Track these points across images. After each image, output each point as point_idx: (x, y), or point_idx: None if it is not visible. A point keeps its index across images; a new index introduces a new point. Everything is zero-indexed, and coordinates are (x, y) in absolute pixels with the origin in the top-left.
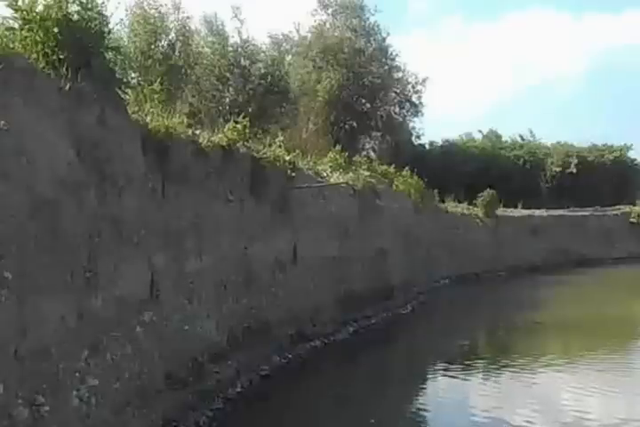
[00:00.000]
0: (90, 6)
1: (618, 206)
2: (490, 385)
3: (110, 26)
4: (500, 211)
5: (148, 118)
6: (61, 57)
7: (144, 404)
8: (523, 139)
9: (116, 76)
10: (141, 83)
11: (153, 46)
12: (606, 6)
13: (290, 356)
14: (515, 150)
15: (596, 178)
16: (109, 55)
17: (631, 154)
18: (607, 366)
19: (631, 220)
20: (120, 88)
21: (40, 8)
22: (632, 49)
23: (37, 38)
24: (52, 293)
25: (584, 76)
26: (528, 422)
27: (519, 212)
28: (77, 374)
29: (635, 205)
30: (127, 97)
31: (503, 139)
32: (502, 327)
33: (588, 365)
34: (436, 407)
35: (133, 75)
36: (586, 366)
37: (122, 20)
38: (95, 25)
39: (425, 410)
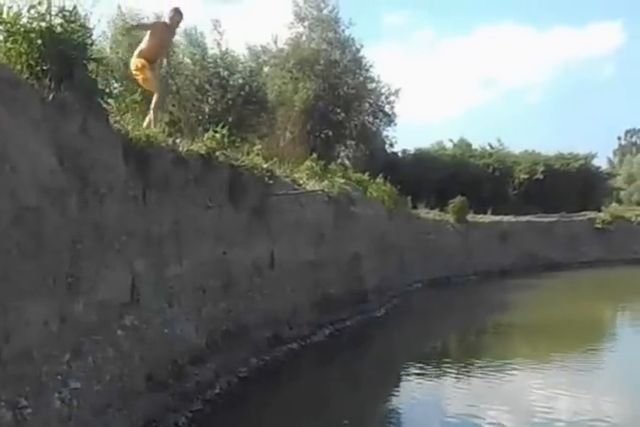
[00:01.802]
0: (73, 19)
1: (583, 212)
2: (462, 386)
3: (93, 37)
4: (471, 217)
5: (130, 127)
6: (45, 68)
7: (125, 405)
8: (492, 147)
9: (99, 86)
10: (124, 93)
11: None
12: (571, 20)
13: (267, 358)
14: (484, 158)
15: (562, 185)
16: (92, 66)
17: (595, 162)
18: (576, 368)
19: (596, 225)
20: (102, 98)
21: (24, 20)
22: (595, 60)
23: (21, 50)
24: (34, 298)
25: (549, 87)
26: (499, 421)
27: (489, 218)
28: (59, 377)
29: (600, 211)
30: (109, 107)
31: (473, 147)
32: (474, 330)
33: (557, 366)
34: (409, 408)
35: (116, 85)
36: (555, 368)
37: (104, 32)
38: (78, 37)
39: (399, 410)
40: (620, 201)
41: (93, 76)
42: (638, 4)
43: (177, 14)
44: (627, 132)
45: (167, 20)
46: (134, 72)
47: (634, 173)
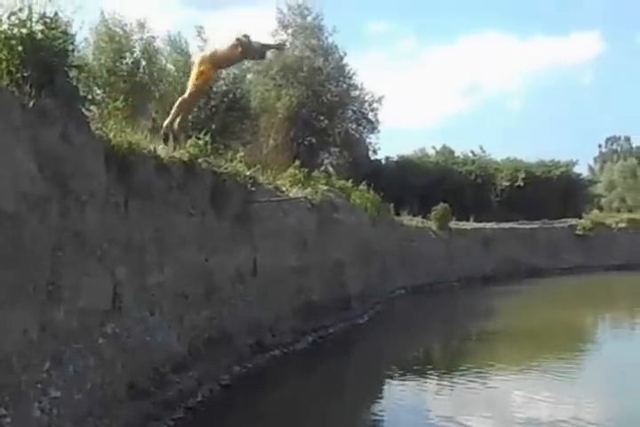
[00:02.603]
0: (54, 25)
1: (564, 219)
2: (445, 392)
3: (75, 44)
4: (453, 224)
5: (112, 134)
6: (25, 75)
7: (106, 414)
8: (474, 154)
9: (80, 93)
10: (106, 99)
11: (118, 64)
12: (552, 29)
13: (250, 366)
14: (467, 166)
15: (543, 192)
16: (73, 73)
17: (576, 169)
18: (557, 373)
19: (577, 232)
20: (83, 105)
21: (4, 27)
22: (575, 68)
23: (1, 56)
24: (14, 305)
25: (530, 94)
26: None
27: (471, 224)
28: (39, 386)
29: (580, 217)
30: (91, 113)
31: (455, 154)
32: (456, 336)
33: (539, 372)
34: (392, 414)
35: (98, 91)
36: (536, 373)
37: (86, 38)
38: (59, 43)
39: (382, 417)
40: (600, 208)
41: (75, 83)
42: (616, 13)
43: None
44: (607, 139)
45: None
46: (197, 63)
47: (614, 180)
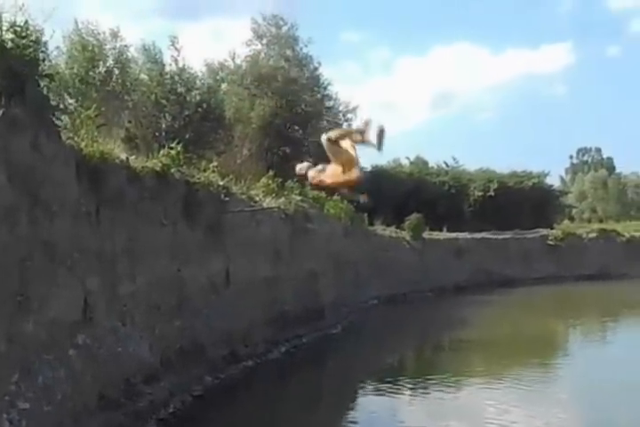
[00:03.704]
0: (24, 34)
1: (536, 229)
2: (417, 401)
3: (47, 52)
4: (427, 234)
5: (83, 144)
6: None
7: (76, 425)
8: (447, 165)
9: (51, 102)
10: (78, 109)
11: (90, 73)
12: (524, 41)
13: (222, 376)
14: (440, 176)
15: (516, 203)
16: (44, 82)
17: (548, 180)
18: (527, 382)
19: (549, 242)
20: (54, 114)
21: None
22: (546, 80)
23: None
24: None
25: (502, 106)
26: None
27: (444, 235)
28: (7, 398)
29: (552, 228)
30: (61, 123)
31: (429, 165)
32: (430, 346)
33: (510, 380)
34: (365, 422)
35: (70, 100)
36: (508, 382)
37: (58, 47)
38: (30, 52)
39: (354, 425)
40: (571, 218)
41: (46, 92)
42: (587, 25)
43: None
44: (578, 150)
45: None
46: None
47: (585, 190)
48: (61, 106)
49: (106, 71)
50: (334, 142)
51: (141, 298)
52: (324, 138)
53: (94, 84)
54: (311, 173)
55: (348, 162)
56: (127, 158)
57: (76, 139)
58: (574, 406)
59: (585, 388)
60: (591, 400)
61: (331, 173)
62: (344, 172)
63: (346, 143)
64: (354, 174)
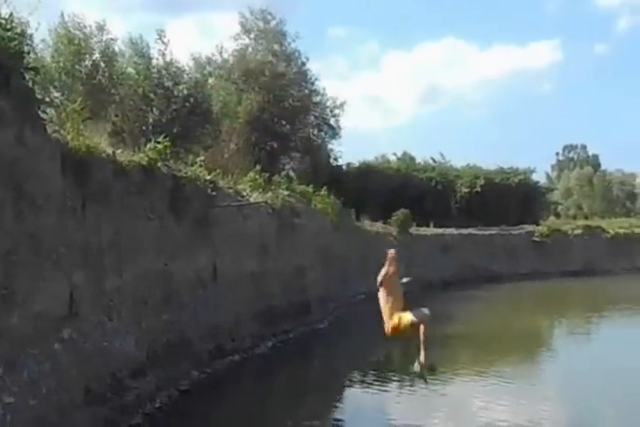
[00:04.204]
0: (9, 27)
1: (522, 226)
2: (404, 395)
3: (32, 45)
4: (414, 229)
5: (69, 137)
6: None
7: (62, 419)
8: (434, 161)
9: (36, 95)
10: (64, 102)
11: (76, 66)
12: (512, 38)
13: (209, 371)
14: (427, 172)
15: (502, 199)
16: (29, 75)
17: (534, 176)
18: (513, 376)
19: (534, 238)
20: (39, 107)
21: None
22: (534, 77)
23: None
24: None
25: (489, 102)
26: None
27: (431, 230)
28: None
29: (538, 224)
30: (47, 116)
31: (416, 161)
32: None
33: (496, 375)
34: (351, 417)
35: (56, 94)
36: (494, 376)
37: (44, 40)
38: (15, 45)
39: (341, 420)
40: (557, 215)
41: (31, 85)
42: (575, 23)
43: None
44: (564, 147)
45: None
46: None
47: (571, 187)
48: (47, 99)
49: (92, 65)
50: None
51: (128, 292)
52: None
53: (80, 78)
54: None
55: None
56: (113, 152)
57: (61, 132)
58: (558, 401)
59: (568, 383)
60: (574, 395)
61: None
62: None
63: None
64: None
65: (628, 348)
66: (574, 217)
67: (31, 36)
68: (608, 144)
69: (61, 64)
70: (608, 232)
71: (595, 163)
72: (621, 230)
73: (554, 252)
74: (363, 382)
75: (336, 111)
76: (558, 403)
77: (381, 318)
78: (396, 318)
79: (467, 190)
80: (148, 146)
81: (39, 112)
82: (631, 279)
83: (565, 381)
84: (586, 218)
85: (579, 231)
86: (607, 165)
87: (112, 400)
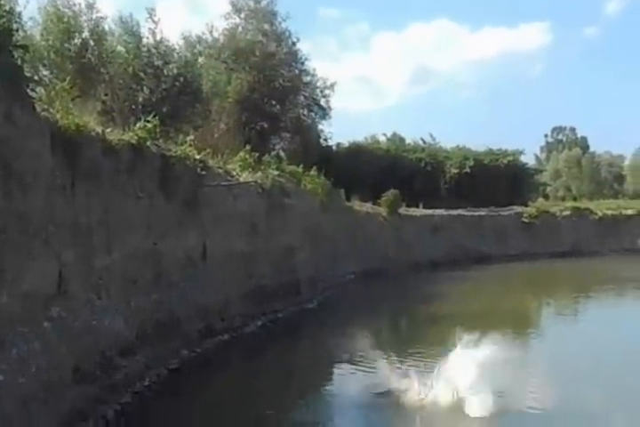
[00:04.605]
0: None
1: (511, 207)
2: (395, 375)
3: (21, 23)
4: (403, 210)
5: (58, 116)
6: None
7: (50, 398)
8: (424, 142)
9: (25, 73)
10: (53, 81)
11: (66, 44)
12: (503, 20)
13: (198, 350)
14: (417, 153)
15: (491, 180)
16: (18, 53)
17: (523, 158)
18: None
19: (523, 219)
20: (28, 85)
21: None
22: (524, 59)
23: None
24: None
25: (480, 84)
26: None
27: (420, 211)
28: None
29: (527, 205)
30: (36, 95)
31: (406, 142)
32: (405, 320)
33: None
34: (340, 397)
35: (45, 72)
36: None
37: (33, 18)
38: (3, 22)
39: (328, 399)
40: (546, 196)
41: (20, 63)
42: (565, 5)
43: None
44: (553, 129)
45: None
46: None
47: (559, 169)
48: (36, 77)
49: (81, 43)
50: None
51: (117, 271)
52: None
53: (69, 57)
54: None
55: None
56: (103, 131)
57: (50, 111)
58: (544, 381)
59: (555, 363)
60: (561, 375)
61: None
62: None
63: None
64: None
65: (615, 328)
66: (563, 199)
67: (20, 13)
68: (596, 126)
69: (50, 42)
70: (596, 214)
71: (583, 145)
72: (609, 212)
73: (542, 233)
74: (351, 360)
75: (326, 92)
76: (545, 384)
77: (371, 298)
78: None
79: (456, 171)
80: (137, 125)
81: (28, 90)
82: (618, 260)
83: (552, 361)
84: (574, 199)
85: (567, 213)
86: (596, 146)
87: (101, 379)
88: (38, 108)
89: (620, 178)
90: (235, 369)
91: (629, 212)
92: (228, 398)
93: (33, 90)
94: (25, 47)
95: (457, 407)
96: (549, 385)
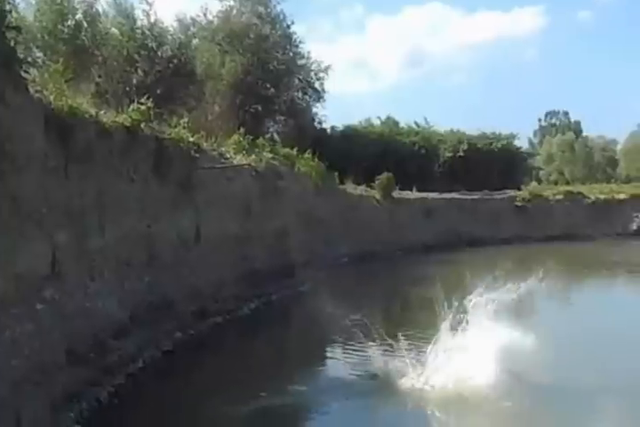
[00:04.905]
0: None
1: (504, 191)
2: (386, 356)
3: (14, 4)
4: (397, 193)
5: (52, 97)
6: None
7: (44, 380)
8: (418, 125)
9: (18, 54)
10: (47, 62)
11: (59, 26)
12: (497, 4)
13: (192, 332)
14: (411, 136)
15: (484, 164)
16: (11, 34)
17: (517, 142)
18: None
19: (516, 203)
20: (21, 67)
21: None
22: (518, 43)
23: None
24: None
25: (474, 68)
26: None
27: (414, 194)
28: None
29: (520, 189)
30: (29, 76)
31: (400, 125)
32: (398, 303)
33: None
34: (331, 378)
35: (39, 54)
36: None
37: None
38: None
39: (321, 381)
40: (539, 180)
41: (12, 44)
42: None
43: None
44: (547, 113)
45: None
46: None
47: (553, 153)
48: (29, 59)
49: (75, 25)
50: None
51: (110, 253)
52: None
53: (63, 38)
54: None
55: None
56: (96, 113)
57: (44, 92)
58: (538, 362)
59: (548, 346)
60: (554, 361)
61: None
62: None
63: None
64: None
65: (606, 312)
66: (556, 182)
67: None
68: (590, 110)
69: (44, 24)
70: (589, 198)
71: (577, 129)
72: (602, 196)
73: (535, 217)
74: (344, 342)
75: (321, 75)
76: (537, 365)
77: (364, 280)
78: None
79: (450, 155)
80: (131, 107)
81: (21, 72)
82: (610, 244)
83: (544, 343)
84: (567, 183)
85: (560, 197)
86: (589, 131)
87: (95, 361)
88: (31, 90)
89: (612, 162)
90: (228, 351)
91: (622, 196)
92: (222, 380)
93: (26, 71)
94: (18, 29)
95: (451, 391)
96: (544, 368)
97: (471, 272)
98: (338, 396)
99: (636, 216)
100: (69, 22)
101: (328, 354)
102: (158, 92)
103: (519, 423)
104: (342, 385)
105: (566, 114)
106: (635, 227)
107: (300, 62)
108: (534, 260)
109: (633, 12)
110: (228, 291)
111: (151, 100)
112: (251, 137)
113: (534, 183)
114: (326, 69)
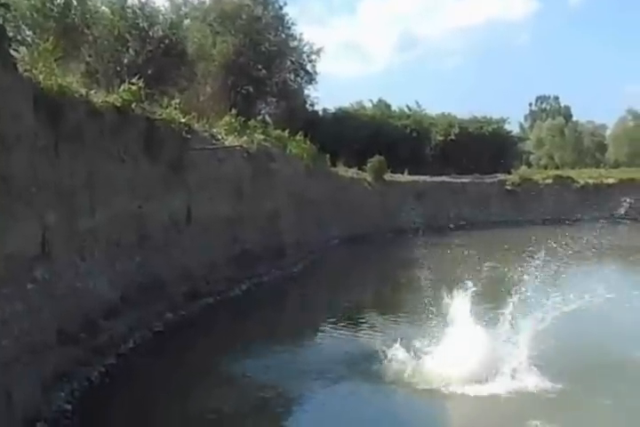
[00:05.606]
0: None
1: (495, 174)
2: (376, 338)
3: None
4: (388, 176)
5: (41, 77)
6: None
7: (34, 360)
8: (410, 109)
9: (6, 33)
10: (36, 41)
11: (48, 4)
12: None
13: (183, 313)
14: (402, 119)
15: (475, 148)
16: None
17: (507, 126)
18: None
19: (506, 187)
20: (10, 45)
21: None
22: (511, 27)
23: None
24: None
25: (466, 52)
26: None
27: (405, 177)
28: None
29: (510, 173)
30: (18, 55)
31: (392, 108)
32: (388, 284)
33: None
34: (324, 359)
35: (28, 32)
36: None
37: None
38: None
39: (312, 361)
40: (529, 164)
41: (1, 22)
42: None
43: None
44: (537, 98)
45: None
46: None
47: (543, 138)
48: (19, 37)
49: (64, 3)
50: None
51: (101, 234)
52: None
53: (52, 16)
54: None
55: None
56: (87, 93)
57: (33, 71)
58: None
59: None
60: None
61: None
62: None
63: None
64: None
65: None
66: (545, 167)
67: None
68: (580, 95)
69: (33, 2)
70: (578, 182)
71: (566, 114)
72: (591, 181)
73: (525, 200)
74: (335, 324)
75: (313, 57)
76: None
77: (355, 262)
78: None
79: (441, 138)
80: (122, 87)
81: (10, 50)
82: (599, 229)
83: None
84: (557, 168)
85: (549, 181)
86: (578, 116)
87: (85, 341)
88: (20, 69)
89: (601, 147)
90: (219, 332)
91: (610, 181)
92: (213, 361)
93: (15, 50)
94: (6, 5)
95: (441, 377)
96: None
97: (462, 256)
98: (326, 378)
99: (624, 200)
100: (59, 0)
101: (318, 335)
102: (149, 72)
103: (511, 407)
104: (332, 367)
105: (556, 99)
106: (622, 211)
107: (292, 44)
108: (523, 244)
109: None
110: (219, 272)
111: (142, 80)
112: (242, 118)
113: (524, 167)
114: (318, 52)
